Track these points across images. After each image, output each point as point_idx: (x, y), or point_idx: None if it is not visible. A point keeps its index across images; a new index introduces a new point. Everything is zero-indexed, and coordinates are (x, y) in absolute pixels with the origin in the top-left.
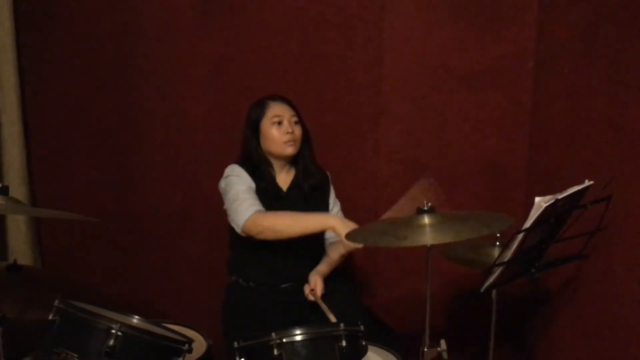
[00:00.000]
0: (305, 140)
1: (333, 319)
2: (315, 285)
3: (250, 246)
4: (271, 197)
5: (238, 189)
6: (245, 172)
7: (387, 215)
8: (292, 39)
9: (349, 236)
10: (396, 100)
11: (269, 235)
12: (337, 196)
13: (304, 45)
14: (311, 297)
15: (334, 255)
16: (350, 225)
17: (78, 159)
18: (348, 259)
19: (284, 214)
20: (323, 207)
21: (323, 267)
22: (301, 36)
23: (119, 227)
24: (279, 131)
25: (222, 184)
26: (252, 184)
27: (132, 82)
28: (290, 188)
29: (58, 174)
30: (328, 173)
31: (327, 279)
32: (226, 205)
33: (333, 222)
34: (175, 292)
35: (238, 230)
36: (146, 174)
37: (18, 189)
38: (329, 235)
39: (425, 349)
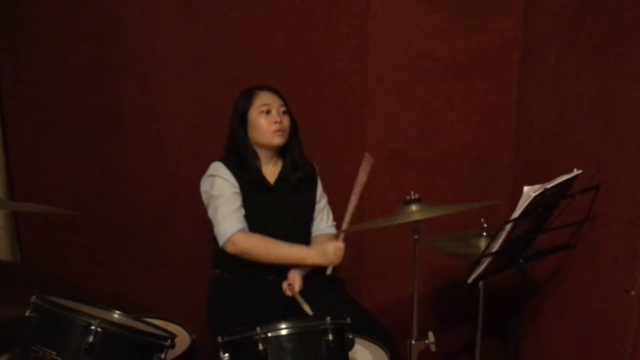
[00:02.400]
0: (294, 131)
1: (309, 311)
2: (293, 280)
3: None
4: (258, 190)
5: (222, 200)
6: (229, 173)
7: (347, 220)
8: (275, 28)
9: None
10: (381, 90)
11: (247, 257)
12: (323, 187)
13: (288, 35)
14: (288, 293)
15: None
16: (329, 257)
17: (58, 152)
18: None
19: (265, 241)
20: (310, 200)
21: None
22: (285, 25)
23: (100, 221)
24: (267, 120)
25: (207, 185)
26: (236, 185)
27: (113, 73)
28: (277, 180)
29: (37, 168)
30: (316, 165)
31: (314, 273)
32: (210, 214)
33: (311, 260)
34: (159, 286)
35: (220, 245)
36: (128, 167)
37: None
38: (315, 228)
39: (413, 342)
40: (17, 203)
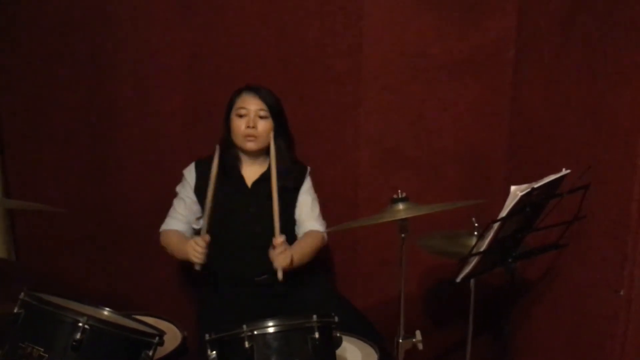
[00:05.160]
0: (283, 135)
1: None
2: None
3: (223, 239)
4: (234, 190)
5: (175, 200)
6: (194, 175)
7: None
8: (269, 26)
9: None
10: (375, 88)
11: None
12: (316, 186)
13: (282, 33)
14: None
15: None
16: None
17: (52, 150)
18: (325, 251)
19: (170, 239)
20: (290, 204)
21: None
22: (279, 23)
23: (94, 219)
24: (241, 124)
25: None
26: (192, 193)
27: (107, 71)
28: (256, 182)
29: (32, 165)
30: (308, 167)
31: (304, 272)
32: None
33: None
34: (152, 284)
35: None
36: (121, 165)
37: None
38: (301, 225)
39: (400, 340)
40: (11, 201)
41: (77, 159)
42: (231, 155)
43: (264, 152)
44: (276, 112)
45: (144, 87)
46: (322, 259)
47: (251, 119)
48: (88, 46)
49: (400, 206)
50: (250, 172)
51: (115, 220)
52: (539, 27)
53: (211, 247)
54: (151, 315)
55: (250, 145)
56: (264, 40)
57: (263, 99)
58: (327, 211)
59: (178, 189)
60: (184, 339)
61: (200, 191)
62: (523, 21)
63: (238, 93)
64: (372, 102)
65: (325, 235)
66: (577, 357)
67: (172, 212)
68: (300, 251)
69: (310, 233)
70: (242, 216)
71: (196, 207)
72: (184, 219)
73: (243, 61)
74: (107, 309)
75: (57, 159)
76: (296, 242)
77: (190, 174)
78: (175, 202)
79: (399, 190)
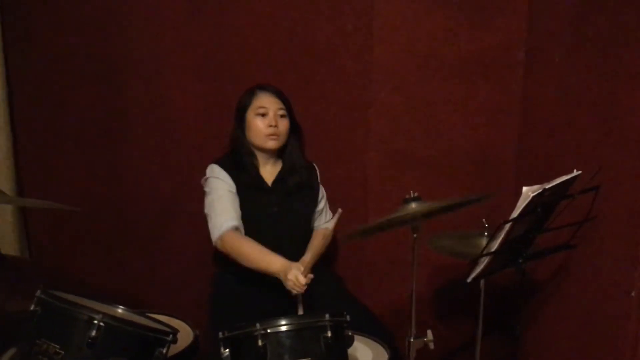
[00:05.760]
0: (295, 134)
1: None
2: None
3: None
4: (255, 189)
5: (215, 197)
6: (225, 172)
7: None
8: (280, 27)
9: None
10: (386, 89)
11: (232, 258)
12: (326, 187)
13: (292, 33)
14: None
15: (315, 241)
16: (288, 285)
17: (65, 150)
18: (335, 250)
19: (252, 246)
20: (309, 203)
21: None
22: (289, 24)
23: (106, 218)
24: (263, 123)
25: (204, 184)
26: (232, 185)
27: (119, 71)
28: (275, 181)
29: (45, 165)
30: (316, 166)
31: (315, 271)
32: (205, 210)
33: (275, 272)
34: (164, 282)
35: (212, 240)
36: (133, 164)
37: (4, 178)
38: (315, 224)
39: (412, 339)
40: (25, 199)
41: (90, 158)
42: (249, 155)
43: (277, 151)
44: (291, 111)
45: (156, 88)
46: (332, 258)
47: (272, 118)
48: (101, 47)
49: (413, 206)
50: (266, 171)
51: (128, 219)
52: (549, 27)
53: None
54: (164, 314)
55: (272, 144)
56: (275, 41)
57: (280, 98)
58: (335, 211)
59: (212, 188)
60: (196, 337)
61: (237, 187)
62: (533, 21)
63: (252, 93)
64: (382, 103)
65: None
66: (587, 358)
67: (218, 211)
68: (314, 255)
69: (322, 232)
70: (264, 216)
71: (237, 202)
72: (235, 214)
73: (254, 61)
74: (122, 307)
75: (70, 158)
76: (310, 246)
77: (221, 172)
78: (216, 201)
79: (412, 190)
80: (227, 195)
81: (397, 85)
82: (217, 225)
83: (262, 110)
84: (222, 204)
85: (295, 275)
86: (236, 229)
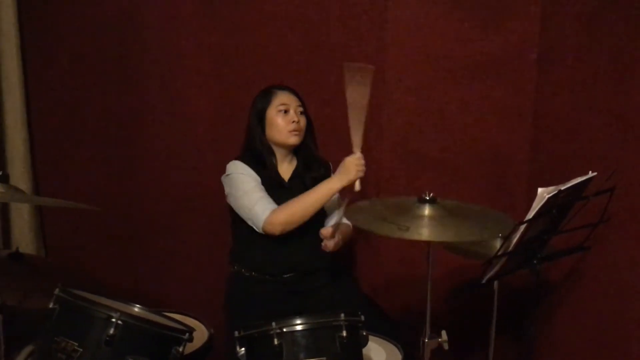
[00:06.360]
0: (309, 131)
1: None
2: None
3: (252, 236)
4: (273, 187)
5: (246, 189)
6: (249, 168)
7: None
8: (294, 29)
9: (351, 217)
10: (399, 90)
11: (289, 227)
12: None
13: (307, 35)
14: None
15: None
16: (352, 172)
17: (81, 149)
18: (350, 250)
19: (293, 203)
20: None
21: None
22: (304, 26)
23: (122, 217)
24: (285, 120)
25: (226, 181)
26: (257, 178)
27: (135, 72)
28: (291, 178)
29: (61, 164)
30: (330, 164)
31: (331, 272)
32: (239, 207)
33: (339, 183)
34: (179, 282)
35: (259, 231)
36: (148, 164)
37: (21, 177)
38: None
39: (426, 340)
40: (41, 198)
41: (106, 158)
42: (268, 153)
43: (293, 149)
44: (306, 109)
45: (171, 88)
46: (346, 258)
47: (294, 114)
48: (117, 48)
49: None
50: (283, 169)
51: (142, 219)
52: (563, 28)
53: (245, 244)
54: (179, 312)
55: (295, 140)
56: (289, 43)
57: (298, 96)
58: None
59: (239, 182)
60: (211, 336)
61: (263, 181)
62: (547, 22)
63: (270, 92)
64: (396, 104)
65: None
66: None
67: (254, 200)
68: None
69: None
70: None
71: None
72: (271, 200)
73: (268, 63)
74: (138, 305)
75: (86, 158)
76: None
77: (245, 168)
78: (250, 193)
79: (427, 191)
80: (258, 186)
81: (410, 87)
82: (259, 213)
83: (283, 107)
84: (256, 193)
85: (355, 159)
86: (273, 209)
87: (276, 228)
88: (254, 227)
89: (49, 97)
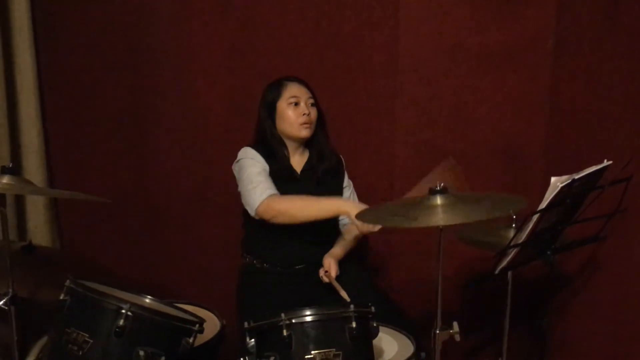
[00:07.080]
0: (320, 123)
1: (346, 297)
2: (329, 267)
3: (264, 228)
4: (285, 179)
5: (251, 172)
6: (259, 155)
7: (407, 196)
8: (306, 19)
9: (360, 216)
10: (412, 80)
11: (282, 219)
12: (352, 179)
13: (319, 26)
14: (325, 279)
15: (348, 237)
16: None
17: (95, 142)
18: (363, 242)
19: (298, 198)
20: (336, 191)
21: (337, 250)
22: (316, 16)
23: (135, 209)
24: (295, 112)
25: (236, 167)
26: (266, 166)
27: (148, 64)
28: (303, 170)
29: (75, 157)
30: (342, 157)
31: (341, 262)
32: (240, 188)
33: (347, 208)
34: (191, 273)
35: (252, 213)
36: (161, 156)
37: (36, 170)
38: (343, 217)
39: (437, 331)
40: (56, 190)
41: (119, 151)
42: (279, 145)
43: (304, 141)
44: (317, 100)
45: (184, 81)
46: (359, 250)
47: (305, 107)
48: (129, 42)
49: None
50: (295, 161)
51: (156, 211)
52: (579, 17)
53: (256, 236)
54: (191, 304)
55: (306, 132)
56: (302, 33)
57: (309, 88)
58: (364, 202)
59: (246, 166)
60: (222, 327)
61: (274, 172)
62: (563, 10)
63: (280, 84)
64: (409, 94)
65: None
66: (618, 353)
67: (255, 183)
68: (343, 252)
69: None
70: None
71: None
72: (272, 186)
73: (280, 54)
74: (149, 296)
75: (100, 150)
76: (340, 242)
77: (256, 155)
78: (253, 176)
79: (438, 182)
80: (263, 172)
81: (423, 76)
82: (256, 195)
83: (294, 100)
84: (258, 177)
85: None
86: (274, 194)
87: (269, 212)
88: (248, 209)
89: (63, 91)
